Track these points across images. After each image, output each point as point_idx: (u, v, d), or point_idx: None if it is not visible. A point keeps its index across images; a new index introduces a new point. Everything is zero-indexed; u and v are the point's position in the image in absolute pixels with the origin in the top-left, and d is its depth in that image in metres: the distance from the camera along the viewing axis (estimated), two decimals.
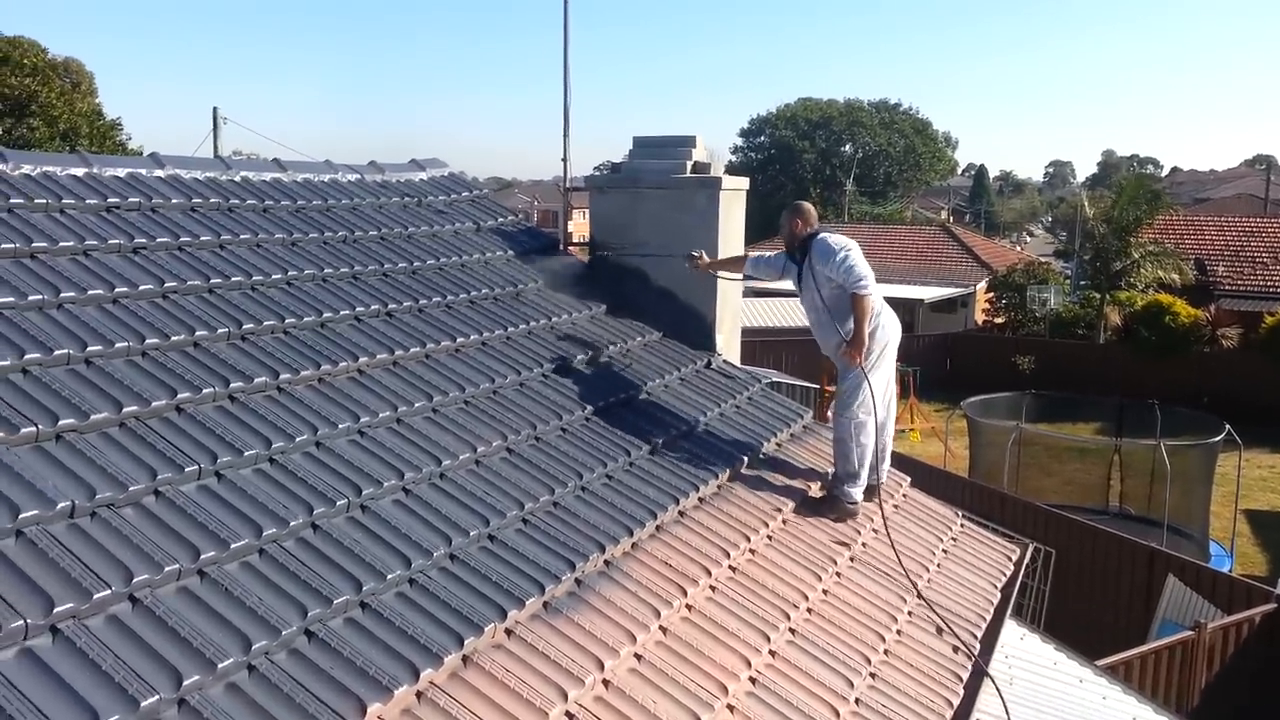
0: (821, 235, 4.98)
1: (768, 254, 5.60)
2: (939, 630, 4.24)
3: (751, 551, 4.13)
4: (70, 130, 26.05)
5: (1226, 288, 28.68)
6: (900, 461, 5.67)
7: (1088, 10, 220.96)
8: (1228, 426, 14.14)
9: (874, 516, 4.86)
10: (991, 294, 33.02)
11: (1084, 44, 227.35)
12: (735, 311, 6.34)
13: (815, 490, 4.90)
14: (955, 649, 4.16)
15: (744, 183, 6.27)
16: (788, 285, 5.38)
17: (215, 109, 22.25)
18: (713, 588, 3.75)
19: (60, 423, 2.88)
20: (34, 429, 2.81)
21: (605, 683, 2.99)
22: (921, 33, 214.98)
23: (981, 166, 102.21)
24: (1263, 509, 17.08)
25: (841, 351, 4.84)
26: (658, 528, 3.94)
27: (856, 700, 3.52)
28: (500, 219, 6.11)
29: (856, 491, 4.81)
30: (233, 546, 2.76)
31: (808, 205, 5.24)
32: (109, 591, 2.43)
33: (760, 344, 21.46)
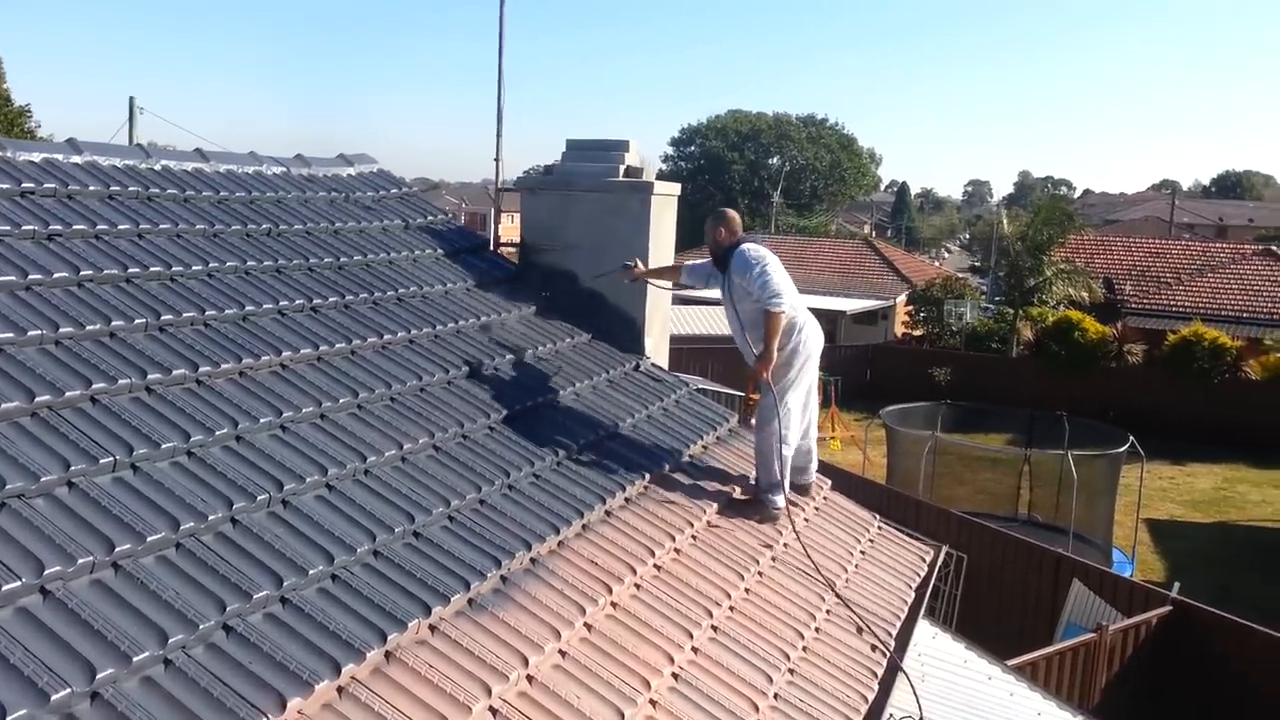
0: (742, 246, 4.96)
1: (700, 261, 5.66)
2: (857, 629, 4.34)
3: (676, 551, 4.17)
4: None
5: (1133, 306, 29.89)
6: (821, 468, 5.78)
7: (1009, 36, 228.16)
8: (1131, 438, 14.73)
9: (798, 517, 4.95)
10: (911, 307, 33.85)
11: (1004, 68, 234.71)
12: (664, 316, 6.39)
13: (739, 493, 4.97)
14: (872, 647, 4.27)
15: (675, 189, 6.33)
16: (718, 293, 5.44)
17: (131, 99, 21.68)
18: (638, 586, 3.79)
19: None
20: None
21: (529, 678, 3.00)
22: (848, 51, 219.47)
23: (904, 183, 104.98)
24: (1162, 518, 17.83)
25: (753, 366, 4.84)
26: (584, 526, 3.96)
27: (775, 695, 3.59)
28: (430, 217, 6.07)
29: (779, 498, 4.86)
30: (148, 540, 2.70)
31: (732, 213, 5.23)
32: (19, 583, 2.36)
33: (687, 351, 21.59)
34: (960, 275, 39.80)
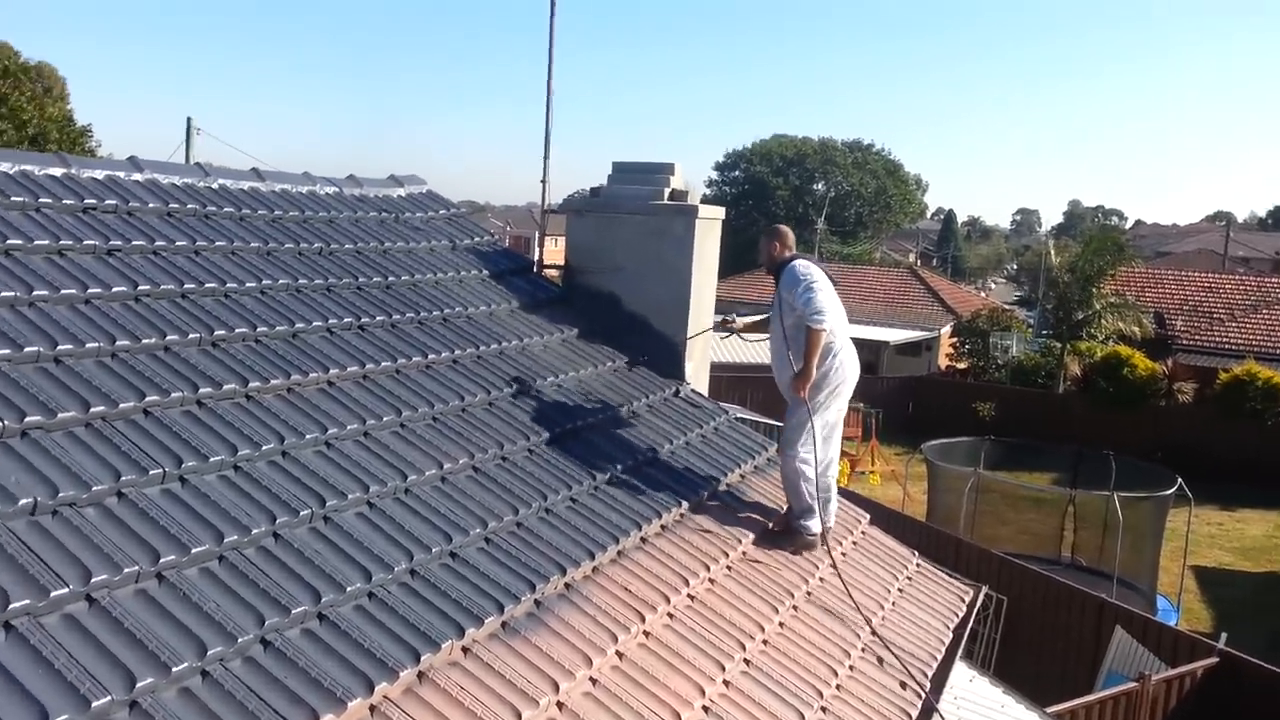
0: (794, 262, 4.93)
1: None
2: (881, 663, 4.28)
3: (711, 581, 4.16)
4: (39, 135, 25.72)
5: (1184, 342, 29.28)
6: (859, 503, 5.76)
7: (1060, 63, 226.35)
8: (1180, 480, 14.41)
9: (834, 549, 4.91)
10: (955, 339, 33.49)
11: (1055, 94, 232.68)
12: (705, 342, 6.40)
13: (773, 525, 4.92)
14: (904, 685, 4.21)
15: (720, 212, 6.36)
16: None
17: (189, 119, 22.22)
18: (671, 615, 3.78)
19: (26, 419, 2.87)
20: (0, 424, 2.80)
21: (560, 705, 3.01)
22: (896, 76, 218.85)
23: (950, 211, 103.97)
24: (1210, 565, 17.37)
25: (789, 383, 4.79)
26: (619, 553, 3.97)
27: None
28: (476, 238, 6.14)
29: (814, 524, 4.80)
30: (193, 551, 2.76)
31: (785, 229, 5.22)
32: (66, 590, 2.42)
33: (727, 379, 21.56)
34: (1007, 307, 39.37)
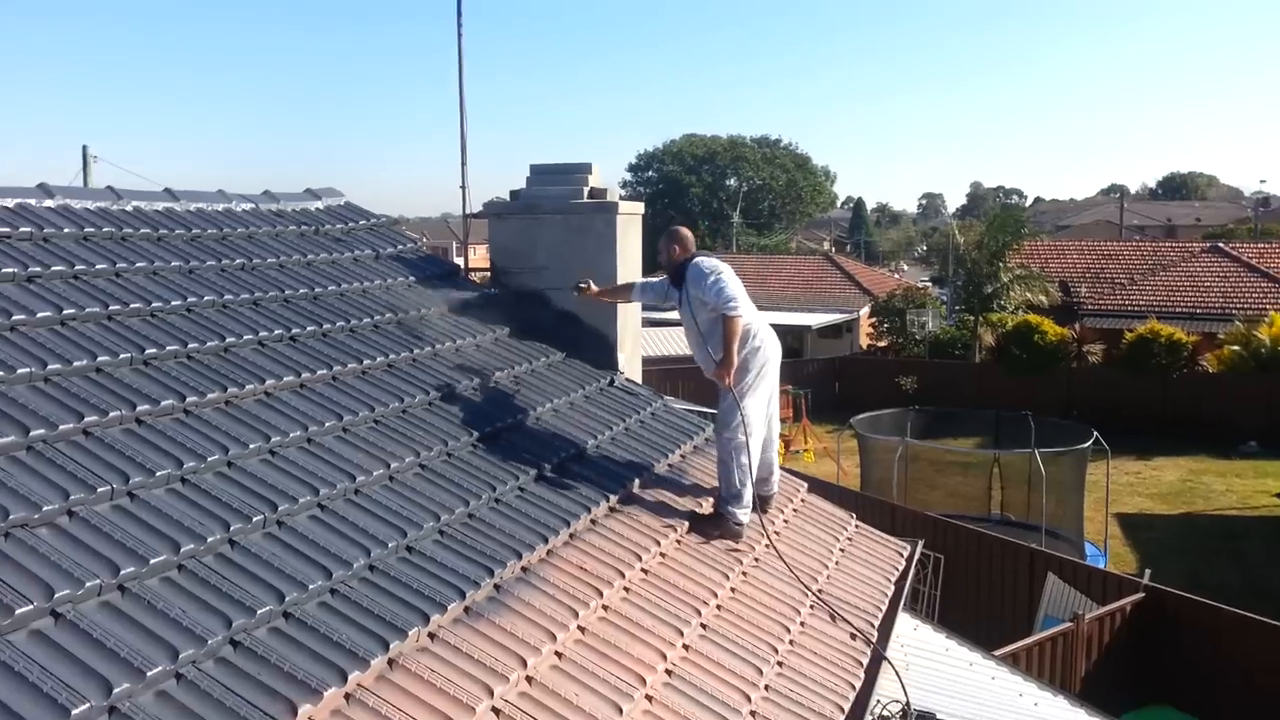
0: (696, 260, 5.02)
1: (653, 279, 5.77)
2: (834, 618, 4.46)
3: (662, 555, 4.28)
4: None
5: (1089, 307, 30.54)
6: (796, 478, 5.94)
7: (953, 52, 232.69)
8: (1095, 434, 15.05)
9: (777, 518, 5.07)
10: (874, 319, 34.29)
11: (950, 83, 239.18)
12: (635, 333, 6.52)
13: (704, 507, 4.89)
14: (853, 636, 4.39)
15: (639, 208, 6.49)
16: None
17: (85, 147, 21.49)
18: (627, 589, 3.88)
19: None
20: None
21: (529, 679, 3.09)
22: (799, 74, 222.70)
23: (859, 199, 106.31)
24: (1131, 511, 18.17)
25: (714, 373, 4.85)
26: (571, 535, 4.06)
27: (766, 686, 3.69)
28: (399, 246, 6.16)
29: (741, 512, 4.78)
30: (152, 562, 2.77)
31: (684, 230, 5.28)
32: (30, 607, 2.42)
33: (659, 372, 21.71)
34: (920, 285, 40.41)
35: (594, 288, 5.80)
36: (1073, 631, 8.56)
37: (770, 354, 5.00)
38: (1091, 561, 12.58)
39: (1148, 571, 9.99)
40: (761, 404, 4.99)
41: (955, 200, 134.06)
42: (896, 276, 55.61)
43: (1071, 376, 25.51)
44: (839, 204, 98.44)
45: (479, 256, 8.57)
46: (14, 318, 3.55)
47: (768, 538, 4.80)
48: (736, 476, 4.80)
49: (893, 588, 5.13)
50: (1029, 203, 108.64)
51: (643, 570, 4.08)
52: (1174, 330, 25.06)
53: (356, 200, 6.53)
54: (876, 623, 4.66)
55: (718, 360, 4.83)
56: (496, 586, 3.48)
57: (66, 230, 4.33)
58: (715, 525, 4.76)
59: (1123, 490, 19.15)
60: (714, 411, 5.30)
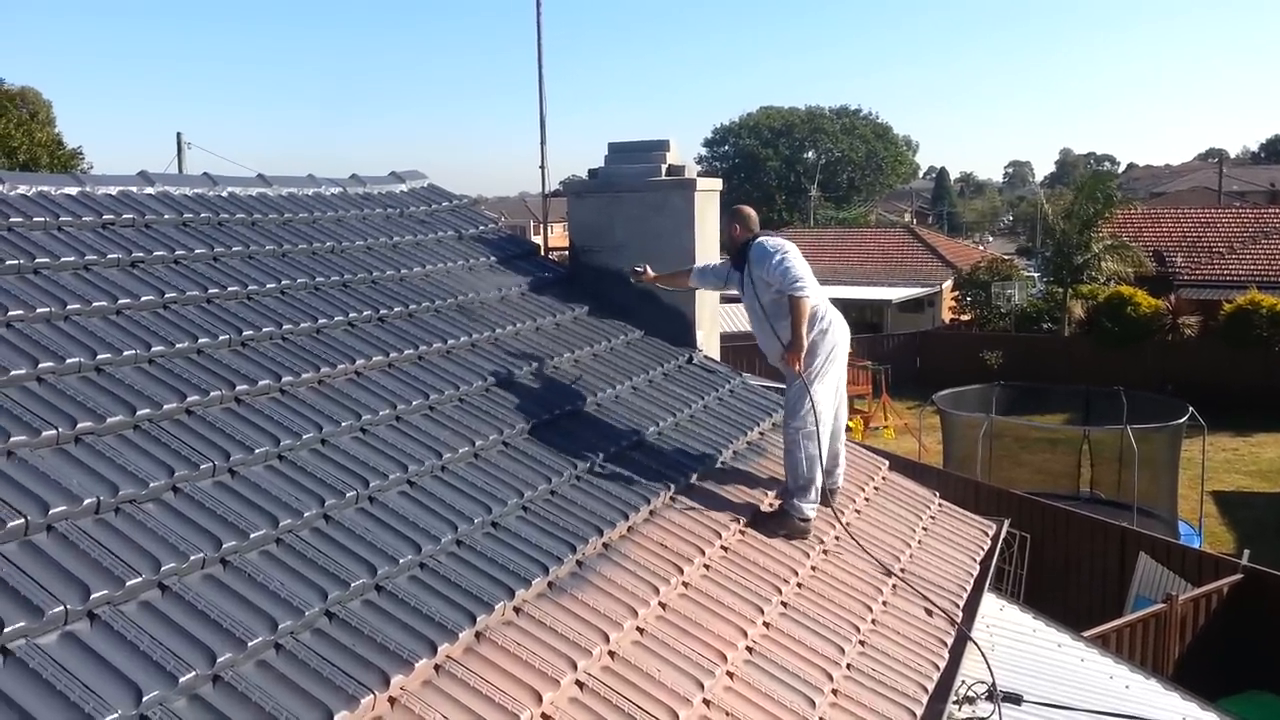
0: (760, 239, 4.84)
1: (713, 263, 5.62)
2: (929, 612, 4.41)
3: (742, 532, 4.29)
4: (30, 161, 25.81)
5: (1185, 278, 29.32)
6: (877, 456, 5.89)
7: (1043, 12, 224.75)
8: (1191, 409, 14.52)
9: (857, 496, 5.03)
10: (957, 292, 33.54)
11: (1040, 46, 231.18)
12: (713, 310, 6.51)
13: (767, 505, 4.66)
14: (929, 613, 4.34)
15: (717, 184, 6.45)
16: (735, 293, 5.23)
17: (179, 134, 22.27)
18: (707, 566, 3.91)
19: (78, 426, 3.00)
20: (54, 432, 2.93)
21: (611, 654, 3.14)
22: (877, 39, 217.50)
23: (942, 169, 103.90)
24: (1228, 489, 17.51)
25: (782, 358, 4.67)
26: (651, 512, 4.10)
27: (848, 665, 3.69)
28: (481, 227, 6.26)
29: (808, 506, 4.54)
30: (251, 536, 2.89)
31: (747, 209, 5.09)
32: (140, 579, 2.55)
33: (734, 349, 21.67)
34: (1006, 257, 39.36)
35: (651, 273, 5.71)
36: (1166, 613, 8.32)
37: (839, 337, 4.76)
38: (1185, 541, 12.18)
39: (1246, 552, 9.62)
40: (830, 390, 4.73)
41: (1044, 168, 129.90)
42: (981, 248, 54.28)
43: (1166, 350, 24.62)
44: (921, 174, 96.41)
45: (557, 235, 8.65)
46: (120, 301, 3.72)
47: (841, 525, 4.65)
48: (804, 467, 4.56)
49: (977, 567, 5.06)
50: (1121, 169, 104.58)
51: (722, 547, 4.10)
52: (1276, 301, 23.94)
53: (436, 180, 6.65)
54: (961, 602, 4.60)
55: (785, 343, 4.64)
56: (579, 563, 3.54)
57: (167, 216, 4.51)
58: (780, 524, 4.50)
59: (1220, 467, 18.46)
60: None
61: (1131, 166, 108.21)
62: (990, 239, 77.96)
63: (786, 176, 64.56)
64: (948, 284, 35.30)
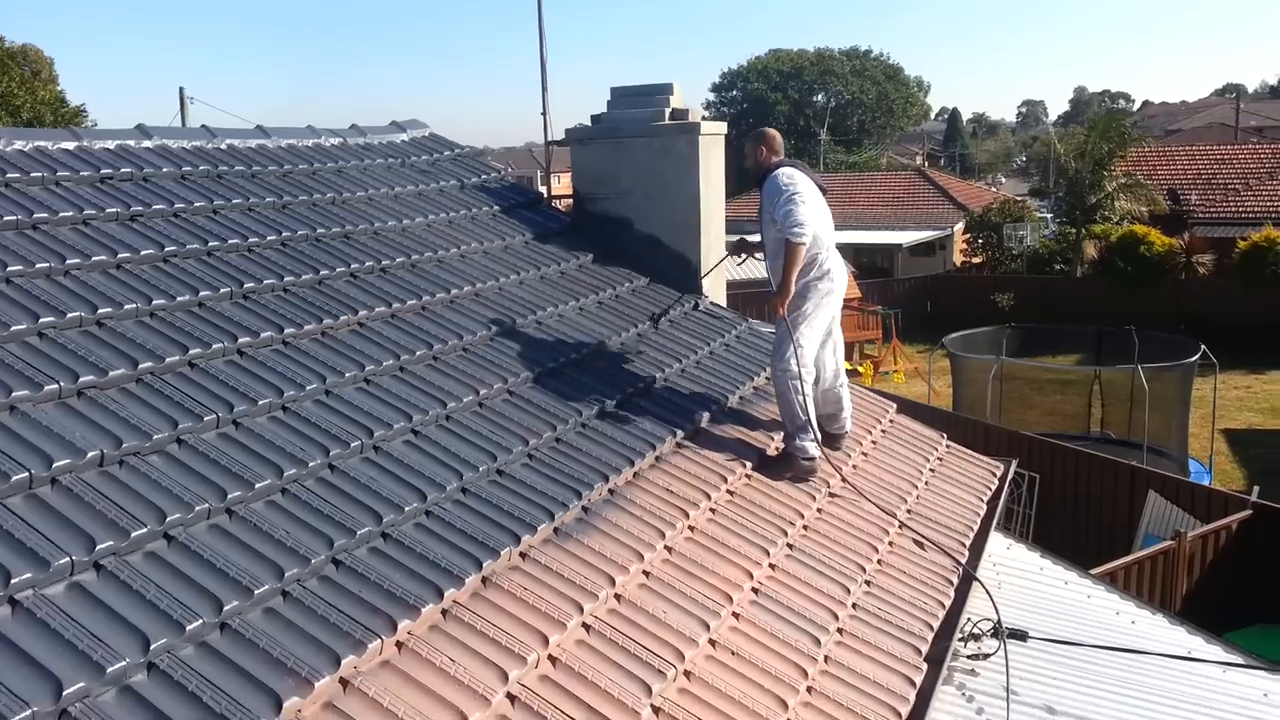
0: (776, 172, 4.72)
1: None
2: (920, 545, 4.42)
3: (748, 476, 4.30)
4: (34, 119, 25.69)
5: (1200, 216, 28.95)
6: (885, 399, 5.87)
7: None
8: (1203, 347, 14.42)
9: (864, 438, 5.02)
10: (969, 235, 33.24)
11: None
12: (718, 256, 6.45)
13: (773, 449, 4.65)
14: (919, 544, 4.35)
15: (722, 128, 6.37)
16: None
17: (181, 89, 22.14)
18: (713, 510, 3.93)
19: (80, 380, 3.00)
20: (56, 386, 2.94)
21: (618, 597, 3.17)
22: None
23: (954, 110, 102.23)
24: (1240, 427, 17.47)
25: (770, 301, 4.63)
26: (657, 458, 4.11)
27: (854, 605, 3.71)
28: (484, 176, 6.20)
29: (810, 445, 4.50)
30: (257, 486, 2.91)
31: (771, 132, 4.96)
32: (145, 529, 2.57)
33: (743, 296, 21.60)
34: (1018, 198, 38.91)
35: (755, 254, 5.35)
36: (1174, 550, 8.34)
37: (835, 285, 4.71)
38: (1196, 479, 12.17)
39: (1255, 488, 9.63)
40: (817, 334, 4.70)
41: (1057, 108, 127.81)
42: (993, 190, 53.66)
43: (1179, 289, 24.41)
44: (933, 115, 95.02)
45: (563, 184, 8.56)
46: (119, 255, 3.71)
47: (840, 475, 4.60)
48: (797, 408, 4.52)
49: (984, 507, 5.07)
50: (1137, 106, 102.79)
51: (729, 491, 4.11)
52: None
53: (440, 131, 6.58)
54: (967, 542, 4.62)
55: (775, 286, 4.61)
56: (584, 508, 3.55)
57: (165, 170, 4.48)
58: (786, 466, 4.49)
59: (1231, 405, 18.40)
60: None
61: (1147, 104, 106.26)
62: (1003, 180, 76.93)
63: (795, 120, 63.67)
64: (959, 227, 34.97)
